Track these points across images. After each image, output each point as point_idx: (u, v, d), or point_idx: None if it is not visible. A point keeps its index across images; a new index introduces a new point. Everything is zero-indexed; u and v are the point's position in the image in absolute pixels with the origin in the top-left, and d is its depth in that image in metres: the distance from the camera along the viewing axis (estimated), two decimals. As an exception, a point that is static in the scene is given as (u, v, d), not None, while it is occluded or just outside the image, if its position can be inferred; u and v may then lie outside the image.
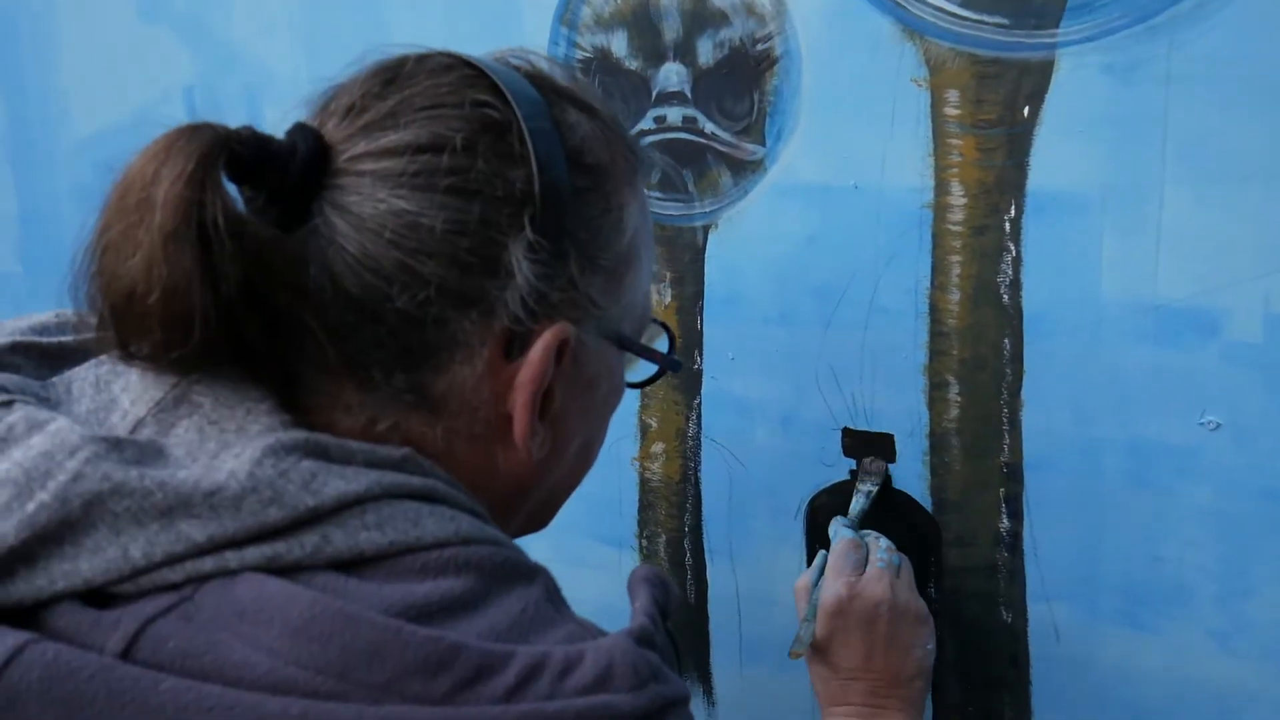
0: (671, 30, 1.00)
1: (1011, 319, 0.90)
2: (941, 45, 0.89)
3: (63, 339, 0.65)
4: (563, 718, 0.50)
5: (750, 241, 1.01)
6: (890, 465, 0.97)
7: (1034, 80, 0.86)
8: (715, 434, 1.07)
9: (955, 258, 0.92)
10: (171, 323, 0.53)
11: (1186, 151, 0.83)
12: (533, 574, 0.58)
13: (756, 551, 1.06)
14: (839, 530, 0.92)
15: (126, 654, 0.49)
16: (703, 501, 1.09)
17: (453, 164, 0.57)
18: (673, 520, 1.09)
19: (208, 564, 0.51)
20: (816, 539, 1.02)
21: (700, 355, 1.06)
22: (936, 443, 0.95)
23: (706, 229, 1.03)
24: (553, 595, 0.58)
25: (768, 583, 1.06)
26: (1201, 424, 0.86)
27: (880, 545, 0.90)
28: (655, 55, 1.01)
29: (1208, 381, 0.85)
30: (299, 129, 0.58)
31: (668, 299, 1.06)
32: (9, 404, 0.55)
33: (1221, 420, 0.85)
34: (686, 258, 1.05)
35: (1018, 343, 0.91)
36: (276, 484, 0.52)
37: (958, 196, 0.91)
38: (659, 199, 1.04)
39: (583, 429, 0.67)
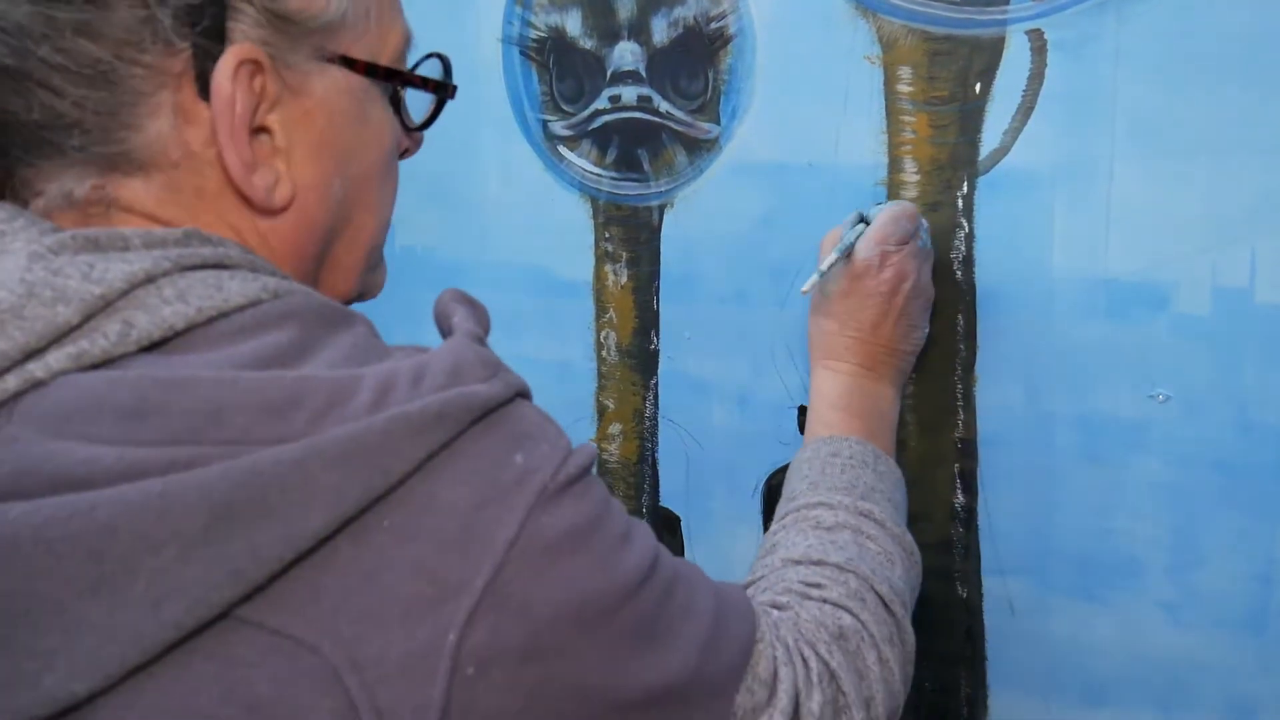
0: (625, 9, 1.00)
1: (965, 295, 0.91)
2: (894, 22, 0.90)
3: None
4: (427, 414, 0.49)
5: (706, 220, 1.01)
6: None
7: (985, 57, 0.87)
8: (672, 414, 1.07)
9: None
10: None
11: (1135, 127, 0.83)
12: (353, 318, 0.56)
13: (715, 531, 1.07)
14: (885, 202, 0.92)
15: None
16: (660, 482, 1.09)
17: None
18: (630, 502, 1.09)
19: (11, 382, 0.49)
20: (773, 517, 1.02)
21: (657, 335, 1.07)
22: (892, 419, 0.96)
23: (662, 208, 1.04)
24: (377, 334, 0.57)
25: (726, 562, 1.06)
26: (1151, 397, 0.86)
27: (923, 225, 0.90)
28: (610, 34, 1.02)
29: (1157, 355, 0.86)
30: None
31: (624, 279, 1.07)
32: None
33: (1171, 393, 0.86)
34: (642, 237, 1.05)
35: (971, 319, 0.91)
36: (54, 283, 0.50)
37: (911, 173, 0.92)
38: (615, 178, 1.05)
39: (334, 171, 0.62)
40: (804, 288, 0.85)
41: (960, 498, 0.94)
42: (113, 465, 0.47)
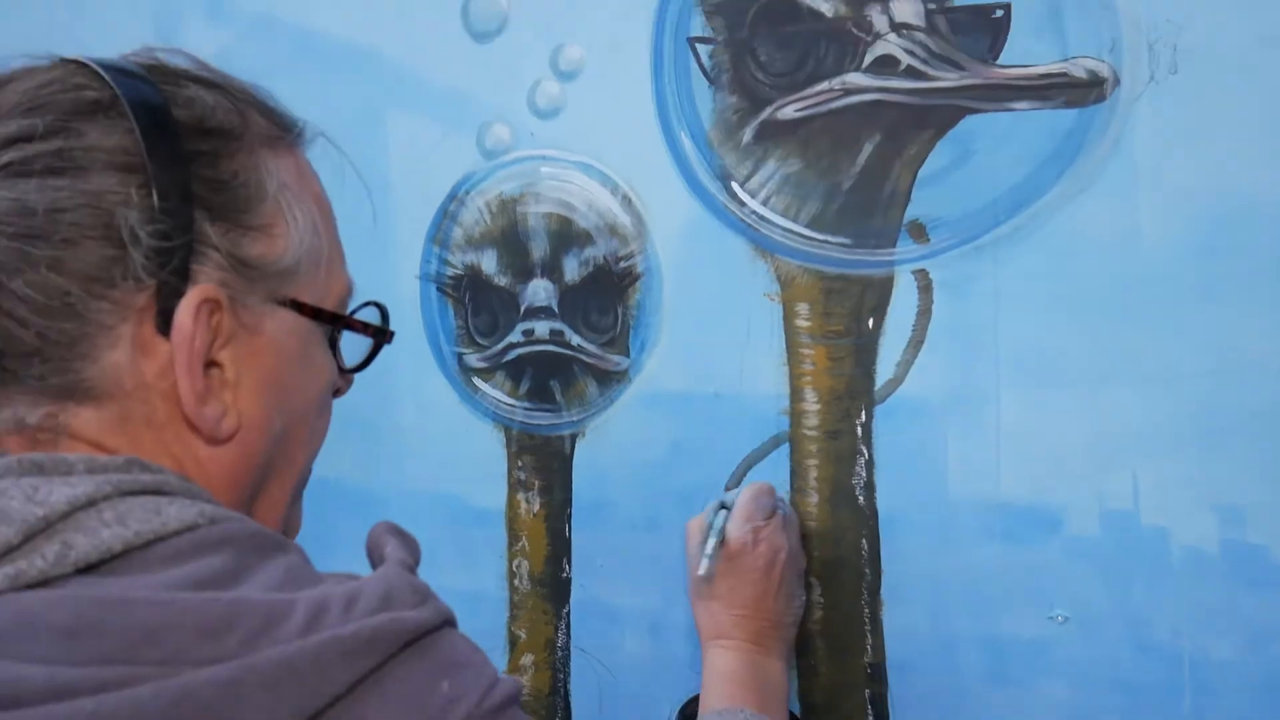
0: (539, 249, 1.05)
1: (868, 520, 0.94)
2: (791, 263, 0.96)
3: None
4: (359, 638, 0.50)
5: (617, 449, 1.04)
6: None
7: (876, 294, 0.93)
8: (584, 644, 1.07)
9: (812, 461, 0.96)
10: None
11: (1017, 358, 0.89)
12: (287, 545, 0.57)
13: (628, 764, 1.05)
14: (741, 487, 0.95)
15: None
16: (573, 714, 1.07)
17: (46, 147, 0.57)
18: (543, 735, 1.07)
19: None
20: (688, 746, 1.02)
21: (569, 563, 1.07)
22: (802, 645, 0.96)
23: (574, 437, 1.06)
24: (309, 561, 0.58)
25: (640, 797, 1.04)
26: (1051, 618, 0.89)
27: (779, 496, 0.95)
28: (523, 272, 1.06)
29: (1053, 576, 0.89)
30: None
31: (536, 507, 1.08)
32: None
33: (1069, 614, 0.88)
34: (555, 466, 1.07)
35: (874, 543, 0.94)
36: None
37: (811, 403, 0.96)
38: (528, 409, 1.07)
39: (276, 406, 0.64)
40: (700, 572, 0.89)
41: (872, 724, 0.95)
42: (43, 685, 0.47)
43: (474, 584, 1.09)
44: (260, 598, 0.51)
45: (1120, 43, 0.85)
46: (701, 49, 0.98)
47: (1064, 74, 0.87)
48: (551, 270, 1.05)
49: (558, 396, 1.07)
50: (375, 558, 0.60)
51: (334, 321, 0.67)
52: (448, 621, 0.55)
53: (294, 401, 0.65)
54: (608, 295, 1.04)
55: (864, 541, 0.94)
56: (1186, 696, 0.85)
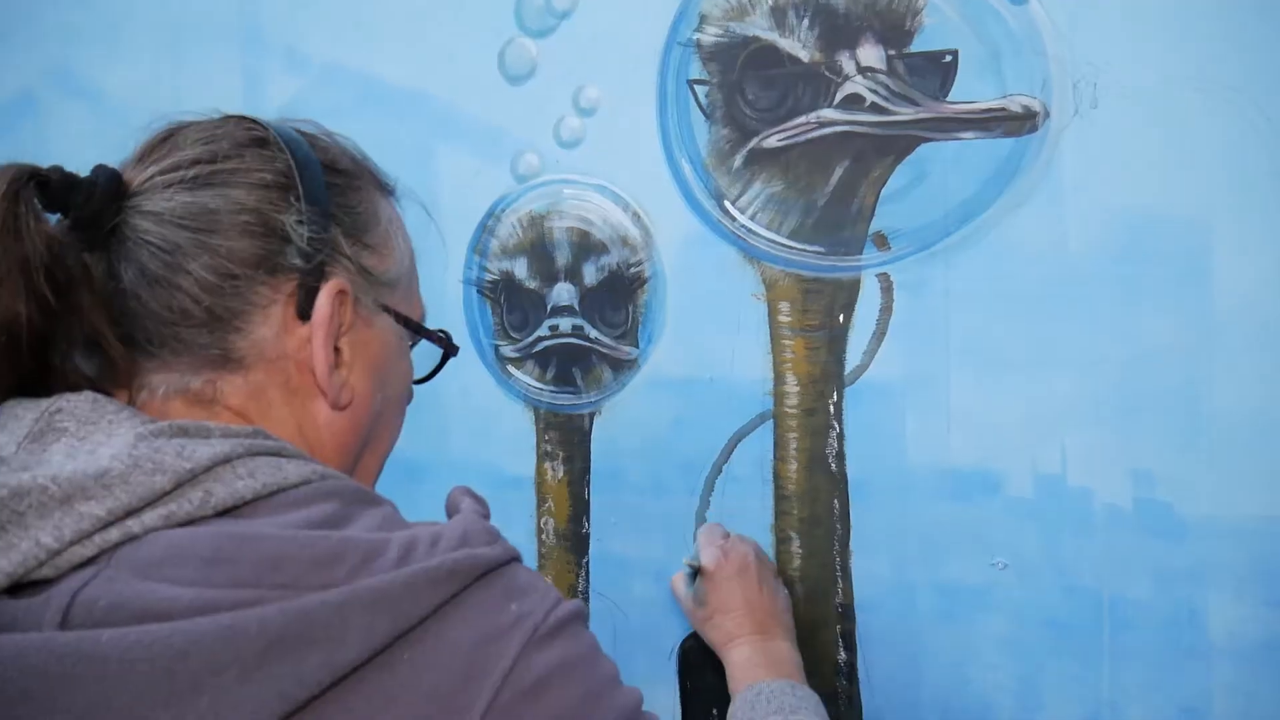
0: (562, 257, 1.13)
1: (839, 483, 1.02)
2: (774, 268, 1.03)
3: None
4: (442, 568, 0.56)
5: (628, 425, 1.11)
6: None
7: (846, 294, 1.01)
8: (601, 588, 1.15)
9: (792, 435, 1.04)
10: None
11: (965, 347, 0.96)
12: (381, 499, 0.64)
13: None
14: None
15: (64, 624, 0.52)
16: (591, 649, 1.16)
17: (223, 166, 0.65)
18: (565, 669, 1.16)
19: (113, 534, 0.55)
20: (687, 676, 1.09)
21: (588, 520, 1.15)
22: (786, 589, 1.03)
23: (592, 415, 1.14)
24: (399, 513, 0.63)
25: (647, 717, 1.13)
26: (992, 565, 0.96)
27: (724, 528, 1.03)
28: (550, 276, 1.13)
29: (994, 530, 0.96)
30: (99, 167, 0.65)
31: (560, 474, 1.15)
32: None
33: (1008, 561, 0.95)
34: (576, 439, 1.15)
35: (845, 503, 1.02)
36: (155, 458, 0.56)
37: (791, 386, 1.04)
38: (553, 392, 1.15)
39: (376, 388, 0.72)
40: (686, 559, 1.00)
41: (842, 654, 1.02)
42: (190, 602, 0.52)
43: (508, 538, 1.14)
44: (363, 536, 0.56)
45: (1050, 82, 0.91)
46: (699, 89, 1.05)
47: (1003, 109, 0.93)
48: (573, 275, 1.12)
49: (578, 381, 1.13)
50: (452, 511, 0.65)
51: (418, 331, 0.76)
52: (514, 558, 0.61)
53: (389, 388, 0.74)
54: (620, 296, 1.10)
55: (836, 502, 1.02)
56: (1106, 630, 0.92)
